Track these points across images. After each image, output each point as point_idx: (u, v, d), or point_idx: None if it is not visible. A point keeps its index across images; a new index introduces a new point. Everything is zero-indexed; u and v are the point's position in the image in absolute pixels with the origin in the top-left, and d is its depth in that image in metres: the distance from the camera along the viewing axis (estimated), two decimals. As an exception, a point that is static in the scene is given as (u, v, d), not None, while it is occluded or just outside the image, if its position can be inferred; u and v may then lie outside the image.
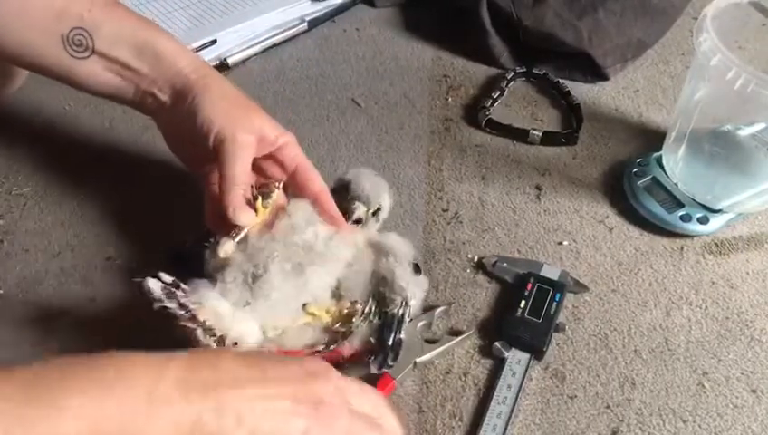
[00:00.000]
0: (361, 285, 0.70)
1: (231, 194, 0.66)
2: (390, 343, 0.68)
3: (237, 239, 0.67)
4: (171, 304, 0.60)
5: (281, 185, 0.71)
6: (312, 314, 0.67)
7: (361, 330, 0.68)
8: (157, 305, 0.60)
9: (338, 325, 0.68)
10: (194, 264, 0.70)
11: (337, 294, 0.70)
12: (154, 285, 0.60)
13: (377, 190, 0.75)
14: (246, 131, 0.68)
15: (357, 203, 0.74)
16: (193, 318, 0.61)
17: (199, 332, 0.61)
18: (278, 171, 0.73)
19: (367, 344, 0.68)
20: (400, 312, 0.69)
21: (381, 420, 0.56)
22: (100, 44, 0.68)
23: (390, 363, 0.67)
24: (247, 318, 0.64)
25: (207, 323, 0.61)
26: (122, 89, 0.71)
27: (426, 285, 0.73)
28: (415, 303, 0.71)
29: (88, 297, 0.75)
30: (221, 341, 0.62)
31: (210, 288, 0.64)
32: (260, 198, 0.68)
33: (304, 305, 0.66)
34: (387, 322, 0.69)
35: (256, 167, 0.72)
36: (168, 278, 0.62)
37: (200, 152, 0.70)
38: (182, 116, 0.69)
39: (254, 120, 0.70)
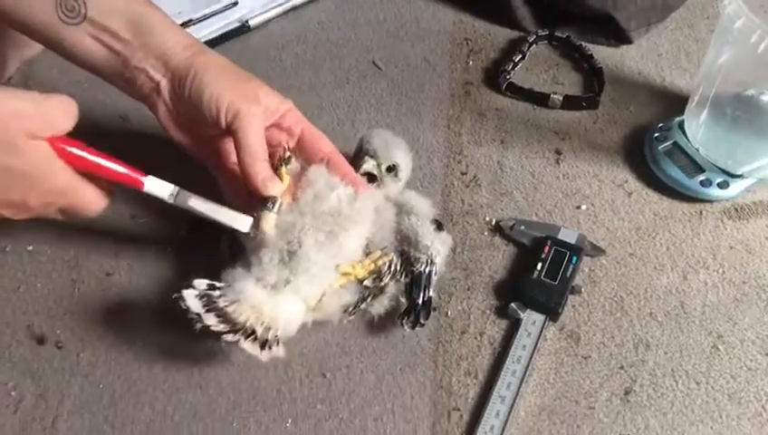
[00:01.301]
0: (386, 239, 0.71)
1: (256, 166, 0.66)
2: (421, 301, 0.69)
3: (276, 210, 0.67)
4: (210, 320, 0.62)
5: (290, 145, 0.71)
6: (347, 274, 0.68)
7: (390, 288, 0.70)
8: (198, 325, 0.62)
9: (369, 281, 0.69)
10: (212, 229, 0.72)
11: (366, 252, 0.71)
12: (190, 300, 0.62)
13: (387, 146, 0.76)
14: (254, 103, 0.68)
15: (365, 157, 0.74)
16: (234, 325, 0.62)
17: (241, 342, 0.62)
18: (285, 138, 0.73)
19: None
20: (427, 270, 0.70)
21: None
22: (93, 12, 0.67)
23: (423, 322, 0.69)
24: (290, 299, 0.66)
25: (248, 324, 0.63)
26: (110, 63, 0.68)
27: (449, 241, 0.74)
28: (440, 260, 0.72)
29: (113, 253, 0.77)
30: (264, 341, 0.63)
31: (246, 275, 0.65)
32: (282, 165, 0.69)
33: (337, 266, 0.68)
34: (415, 280, 0.70)
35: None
36: (202, 283, 0.63)
37: (205, 132, 0.70)
38: (185, 96, 0.68)
39: (257, 91, 0.69)
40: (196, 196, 0.66)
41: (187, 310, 0.62)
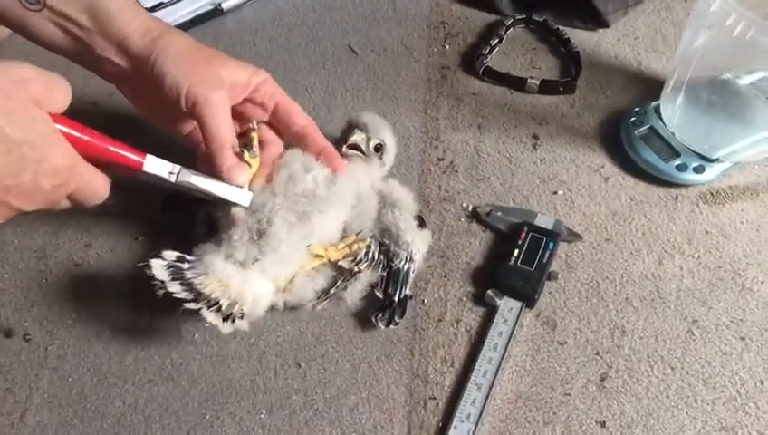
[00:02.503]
0: (366, 226, 0.71)
1: (222, 156, 0.65)
2: (397, 298, 0.69)
3: None
4: (174, 287, 0.61)
5: (254, 124, 0.70)
6: (319, 256, 0.67)
7: (364, 275, 0.69)
8: (160, 292, 0.61)
9: (344, 261, 0.68)
10: (187, 211, 0.71)
11: (343, 236, 0.70)
12: (157, 269, 0.61)
13: (376, 124, 0.75)
14: (216, 87, 0.66)
15: (355, 130, 0.74)
16: (198, 295, 0.61)
17: (203, 311, 0.61)
18: (260, 113, 0.72)
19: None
20: (405, 267, 0.70)
21: None
22: None
23: (398, 320, 0.68)
24: (258, 277, 0.65)
25: (213, 296, 0.62)
26: (74, 49, 0.67)
27: (429, 238, 0.74)
28: (419, 257, 0.72)
29: (82, 242, 0.75)
30: (228, 315, 0.62)
31: (217, 251, 0.65)
32: (245, 151, 0.67)
33: (308, 246, 0.67)
34: (392, 277, 0.70)
35: (236, 113, 0.70)
36: (171, 255, 0.62)
37: (174, 114, 0.68)
38: (147, 83, 0.66)
39: (221, 71, 0.67)
40: (196, 172, 0.64)
41: (152, 277, 0.61)
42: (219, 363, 0.68)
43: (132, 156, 0.61)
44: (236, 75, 0.68)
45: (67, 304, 0.71)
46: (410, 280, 0.70)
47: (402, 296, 0.69)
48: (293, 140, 0.72)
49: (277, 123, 0.72)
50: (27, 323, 0.70)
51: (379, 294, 0.70)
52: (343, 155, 0.72)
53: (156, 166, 0.62)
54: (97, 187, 0.60)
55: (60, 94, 0.56)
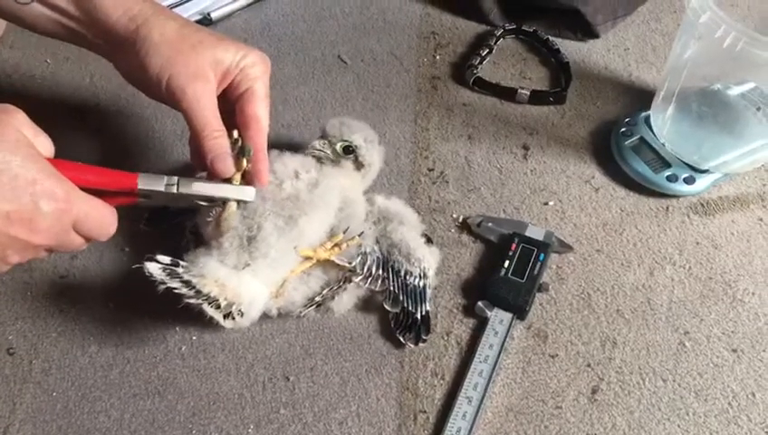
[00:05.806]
0: (356, 228, 0.70)
1: (205, 145, 0.64)
2: (419, 316, 0.68)
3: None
4: (174, 283, 0.60)
5: (236, 134, 0.68)
6: (309, 257, 0.67)
7: (356, 285, 0.69)
8: (161, 287, 0.60)
9: (336, 258, 0.68)
10: (174, 221, 0.71)
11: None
12: (153, 269, 0.60)
13: (341, 128, 0.75)
14: (195, 78, 0.64)
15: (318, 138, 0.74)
16: (197, 293, 0.61)
17: (204, 306, 0.61)
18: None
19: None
20: (421, 283, 0.70)
21: None
22: None
23: (425, 337, 0.68)
24: (253, 280, 0.64)
25: (212, 295, 0.61)
26: (70, 37, 0.68)
27: (438, 255, 0.73)
28: (432, 273, 0.71)
29: (69, 255, 0.74)
30: (228, 313, 0.62)
31: (209, 256, 0.64)
32: (243, 156, 0.66)
33: (295, 248, 0.66)
34: (410, 294, 0.69)
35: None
36: (165, 259, 0.62)
37: (163, 96, 0.67)
38: (134, 68, 0.66)
39: (206, 58, 0.65)
40: (196, 179, 0.63)
41: (150, 276, 0.60)
42: (206, 377, 0.67)
43: (125, 177, 0.60)
44: (223, 60, 0.66)
45: (52, 318, 0.70)
46: (428, 296, 0.70)
47: (424, 313, 0.69)
48: (238, 126, 0.68)
49: (238, 111, 0.69)
50: (11, 336, 0.69)
51: (388, 307, 0.68)
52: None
53: (150, 182, 0.61)
54: (102, 216, 0.58)
55: (43, 138, 0.55)
